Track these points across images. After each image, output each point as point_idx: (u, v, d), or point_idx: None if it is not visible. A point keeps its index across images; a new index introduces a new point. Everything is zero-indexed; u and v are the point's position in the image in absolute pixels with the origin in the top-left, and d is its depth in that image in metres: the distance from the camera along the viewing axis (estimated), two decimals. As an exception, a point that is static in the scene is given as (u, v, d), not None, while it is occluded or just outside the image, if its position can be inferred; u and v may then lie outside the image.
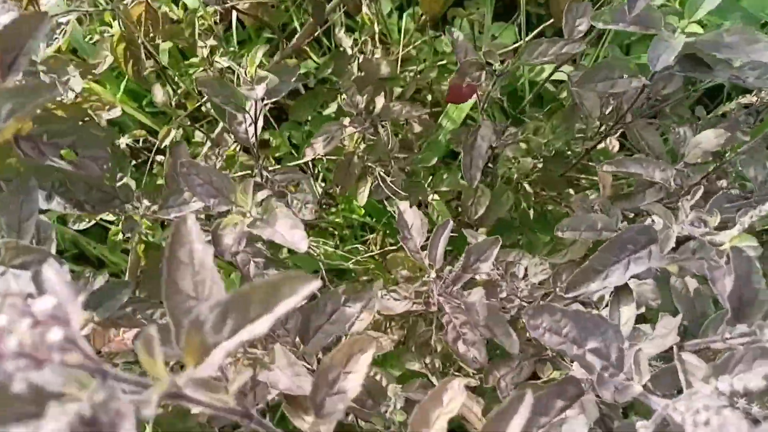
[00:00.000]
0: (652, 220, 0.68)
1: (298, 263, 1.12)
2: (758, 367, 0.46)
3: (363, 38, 1.43)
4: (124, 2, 0.90)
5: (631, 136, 0.92)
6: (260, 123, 0.86)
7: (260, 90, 0.71)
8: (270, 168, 0.88)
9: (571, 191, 1.11)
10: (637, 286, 0.67)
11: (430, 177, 1.12)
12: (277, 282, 0.32)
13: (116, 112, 1.04)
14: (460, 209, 1.10)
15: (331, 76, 1.28)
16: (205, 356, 0.33)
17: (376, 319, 0.86)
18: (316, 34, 1.30)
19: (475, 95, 0.91)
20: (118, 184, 0.69)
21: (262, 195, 0.63)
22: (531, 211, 1.14)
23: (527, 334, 0.76)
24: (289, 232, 0.55)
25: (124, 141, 1.12)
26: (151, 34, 0.89)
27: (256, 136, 0.84)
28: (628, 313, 0.64)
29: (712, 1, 0.67)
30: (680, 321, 0.59)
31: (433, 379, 0.81)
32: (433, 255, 0.69)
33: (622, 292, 0.65)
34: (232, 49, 1.18)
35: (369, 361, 0.48)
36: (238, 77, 0.82)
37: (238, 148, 1.04)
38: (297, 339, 0.63)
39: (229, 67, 1.13)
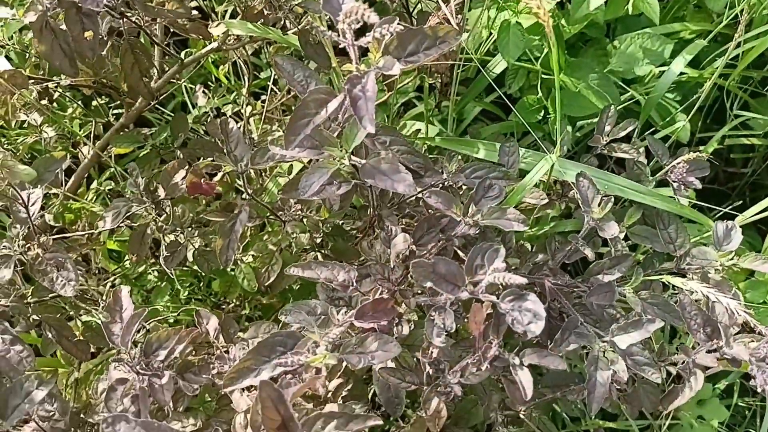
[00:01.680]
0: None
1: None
2: None
3: (216, 98, 1.55)
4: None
5: (379, 225, 1.03)
6: (37, 206, 0.98)
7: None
8: (51, 241, 1.00)
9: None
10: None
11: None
12: None
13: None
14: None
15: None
16: None
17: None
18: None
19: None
20: None
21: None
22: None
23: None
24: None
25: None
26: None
27: (29, 218, 0.96)
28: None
29: (362, 133, 0.77)
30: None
31: None
32: (125, 340, 0.80)
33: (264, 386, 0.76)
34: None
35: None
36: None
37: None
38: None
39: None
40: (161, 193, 1.06)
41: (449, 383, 0.80)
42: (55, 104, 1.31)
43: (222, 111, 1.53)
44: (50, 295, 1.09)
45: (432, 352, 0.81)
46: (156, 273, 1.46)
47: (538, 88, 1.62)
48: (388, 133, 0.91)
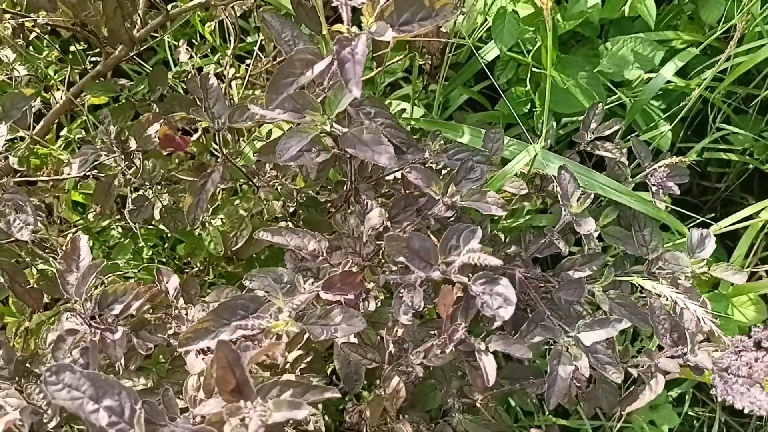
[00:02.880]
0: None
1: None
2: None
3: (198, 55, 1.50)
4: None
5: (355, 199, 1.01)
6: (1, 142, 0.93)
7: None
8: (11, 182, 0.96)
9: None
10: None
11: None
12: None
13: None
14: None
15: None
16: None
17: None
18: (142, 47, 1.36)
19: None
20: None
21: None
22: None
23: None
24: None
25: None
26: None
27: (-10, 155, 0.92)
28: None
29: (347, 99, 0.75)
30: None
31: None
32: (80, 291, 0.77)
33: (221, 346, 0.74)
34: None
35: None
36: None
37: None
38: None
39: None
40: (132, 144, 1.02)
41: (411, 363, 0.79)
42: (30, 47, 1.26)
43: (204, 71, 1.49)
44: (5, 240, 1.05)
45: (397, 331, 0.79)
46: (120, 229, 1.41)
47: (527, 80, 1.60)
48: (373, 104, 0.89)
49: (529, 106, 1.61)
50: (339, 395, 0.65)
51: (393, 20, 0.76)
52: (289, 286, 0.88)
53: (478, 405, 1.09)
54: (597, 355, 0.89)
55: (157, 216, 1.11)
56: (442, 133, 0.95)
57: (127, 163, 1.04)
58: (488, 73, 1.27)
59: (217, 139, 0.97)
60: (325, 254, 0.83)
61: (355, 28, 0.72)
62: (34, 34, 1.25)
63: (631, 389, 0.90)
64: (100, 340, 0.76)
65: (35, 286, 1.03)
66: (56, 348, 0.75)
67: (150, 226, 1.38)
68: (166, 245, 1.46)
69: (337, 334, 0.75)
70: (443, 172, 1.05)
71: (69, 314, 0.82)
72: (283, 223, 1.13)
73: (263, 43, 1.54)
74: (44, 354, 0.88)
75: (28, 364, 0.89)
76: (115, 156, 1.02)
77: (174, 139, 0.96)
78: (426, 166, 0.92)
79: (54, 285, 1.07)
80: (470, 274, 0.71)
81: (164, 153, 1.00)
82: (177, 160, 1.24)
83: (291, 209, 1.12)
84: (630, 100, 1.60)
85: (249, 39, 1.80)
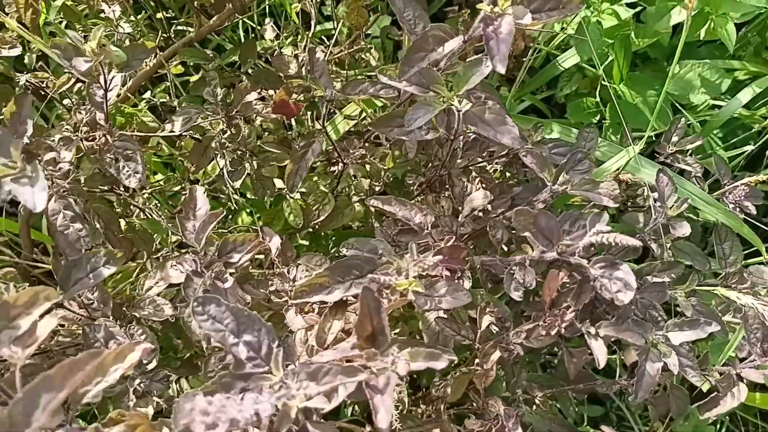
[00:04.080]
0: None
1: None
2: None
3: (285, 34, 1.53)
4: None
5: (448, 181, 1.03)
6: (115, 92, 0.96)
7: (84, 66, 0.81)
8: (116, 135, 0.98)
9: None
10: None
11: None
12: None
13: (15, 52, 1.14)
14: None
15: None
16: None
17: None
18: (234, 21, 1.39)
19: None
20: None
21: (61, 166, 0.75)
22: (376, 224, 1.25)
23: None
24: (38, 193, 0.65)
25: (24, 78, 1.22)
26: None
27: (105, 102, 0.95)
28: (336, 326, 0.75)
29: (478, 76, 0.77)
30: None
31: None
32: (199, 237, 0.79)
33: (338, 307, 0.76)
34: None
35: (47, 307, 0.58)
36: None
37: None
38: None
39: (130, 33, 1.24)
40: (237, 108, 1.05)
41: (512, 342, 0.80)
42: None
43: (310, 47, 1.52)
44: (100, 188, 1.07)
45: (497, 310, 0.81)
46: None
47: (596, 93, 1.63)
48: (485, 89, 0.91)
49: (598, 118, 1.64)
50: (456, 359, 0.66)
51: (525, 6, 0.79)
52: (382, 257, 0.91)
53: (537, 402, 1.10)
54: (680, 357, 0.90)
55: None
56: (543, 126, 0.97)
57: (227, 126, 1.06)
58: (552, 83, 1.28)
59: (323, 109, 0.99)
60: (429, 228, 0.85)
61: (497, 9, 0.74)
62: (135, -4, 1.29)
63: (712, 395, 0.91)
64: (212, 287, 0.78)
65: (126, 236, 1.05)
66: (186, 286, 0.77)
67: (222, 195, 1.41)
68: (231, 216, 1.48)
69: (442, 305, 0.77)
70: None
71: (174, 262, 0.84)
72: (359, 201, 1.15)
73: (337, 30, 1.57)
74: (142, 299, 0.90)
75: (124, 308, 0.91)
76: (219, 118, 1.04)
77: (288, 104, 0.98)
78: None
79: (142, 238, 1.10)
80: (589, 254, 0.73)
81: (273, 116, 1.02)
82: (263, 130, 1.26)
83: (377, 188, 1.14)
84: (697, 123, 1.61)
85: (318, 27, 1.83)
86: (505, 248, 0.91)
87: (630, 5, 1.55)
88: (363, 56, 1.52)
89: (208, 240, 0.79)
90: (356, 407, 1.31)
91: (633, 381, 0.86)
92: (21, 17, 1.07)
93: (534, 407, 1.10)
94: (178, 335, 1.03)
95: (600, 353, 0.76)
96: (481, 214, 0.89)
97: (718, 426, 1.55)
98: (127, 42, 1.22)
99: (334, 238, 1.32)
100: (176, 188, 1.42)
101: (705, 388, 0.99)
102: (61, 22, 1.25)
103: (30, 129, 0.88)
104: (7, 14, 1.11)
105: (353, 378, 0.54)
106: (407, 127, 0.78)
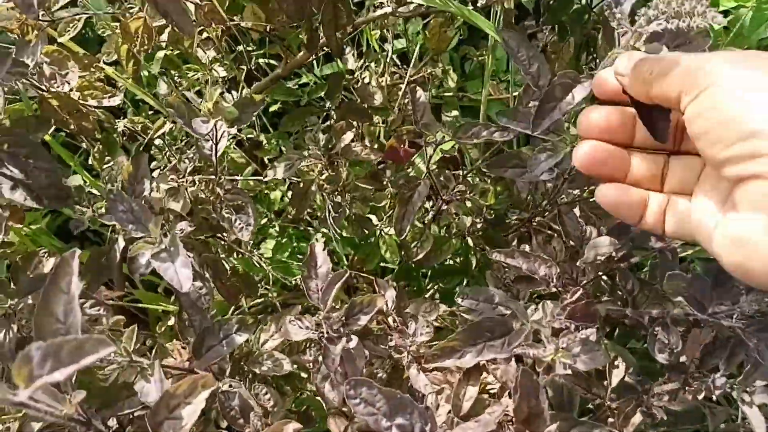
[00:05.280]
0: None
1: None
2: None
3: (366, 63, 1.52)
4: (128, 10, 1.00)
5: (558, 220, 1.00)
6: (223, 144, 0.96)
7: (204, 127, 0.81)
8: (225, 185, 0.98)
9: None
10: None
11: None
12: (83, 341, 0.42)
13: (116, 101, 1.16)
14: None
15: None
16: (30, 383, 0.44)
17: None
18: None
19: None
20: (73, 184, 0.81)
21: (181, 226, 0.74)
22: (474, 261, 1.22)
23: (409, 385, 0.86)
24: (181, 270, 0.65)
25: (122, 124, 1.24)
26: (145, 46, 0.99)
27: (215, 155, 0.95)
28: (471, 392, 0.73)
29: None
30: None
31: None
32: (325, 299, 0.78)
33: (472, 372, 0.74)
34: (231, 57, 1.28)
35: (207, 396, 0.58)
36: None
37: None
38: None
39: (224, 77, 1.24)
40: (338, 153, 1.04)
41: (651, 405, 0.77)
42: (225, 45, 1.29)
43: (411, 86, 1.50)
44: (205, 235, 1.08)
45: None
46: (276, 228, 1.45)
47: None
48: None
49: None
50: (606, 432, 0.64)
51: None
52: (500, 307, 0.88)
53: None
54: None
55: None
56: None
57: (326, 167, 1.05)
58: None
59: (426, 151, 0.98)
60: (555, 280, 0.82)
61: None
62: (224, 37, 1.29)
63: None
64: (343, 350, 0.77)
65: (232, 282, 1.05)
66: (325, 356, 0.76)
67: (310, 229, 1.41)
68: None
69: (577, 366, 0.74)
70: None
71: (292, 319, 0.83)
72: (469, 240, 1.13)
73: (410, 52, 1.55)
74: (259, 354, 0.90)
75: (242, 363, 0.91)
76: (321, 162, 1.04)
77: (398, 151, 0.97)
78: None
79: (246, 282, 1.10)
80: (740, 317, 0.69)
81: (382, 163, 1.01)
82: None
83: (478, 225, 1.11)
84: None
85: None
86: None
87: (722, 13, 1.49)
88: (437, 74, 1.50)
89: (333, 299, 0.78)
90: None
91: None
92: (124, 68, 1.09)
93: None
94: (287, 384, 1.03)
95: (757, 422, 0.72)
96: (600, 258, 0.86)
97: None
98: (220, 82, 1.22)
99: (429, 273, 1.31)
100: (262, 221, 1.43)
101: None
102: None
103: (148, 188, 0.89)
104: (107, 64, 1.13)
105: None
106: (531, 172, 0.75)
